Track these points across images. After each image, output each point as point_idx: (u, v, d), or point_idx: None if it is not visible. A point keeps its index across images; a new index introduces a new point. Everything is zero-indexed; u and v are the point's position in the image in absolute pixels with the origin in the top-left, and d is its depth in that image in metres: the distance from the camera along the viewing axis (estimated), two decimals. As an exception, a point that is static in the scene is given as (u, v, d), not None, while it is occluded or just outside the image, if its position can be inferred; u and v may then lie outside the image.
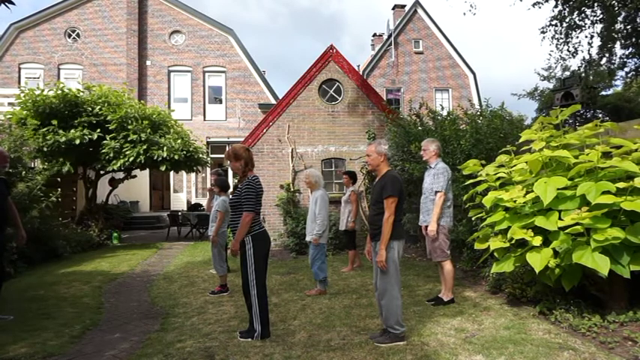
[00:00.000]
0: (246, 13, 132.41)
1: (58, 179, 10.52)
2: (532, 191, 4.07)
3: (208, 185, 17.89)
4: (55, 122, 9.71)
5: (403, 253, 3.80)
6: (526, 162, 4.50)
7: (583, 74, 13.03)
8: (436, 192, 4.71)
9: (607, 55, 12.70)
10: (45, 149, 9.68)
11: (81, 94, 10.49)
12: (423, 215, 4.92)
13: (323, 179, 5.75)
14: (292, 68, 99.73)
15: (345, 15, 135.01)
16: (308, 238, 5.61)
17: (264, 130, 9.81)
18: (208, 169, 18.08)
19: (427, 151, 4.93)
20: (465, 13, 20.65)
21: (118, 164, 10.16)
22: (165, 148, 10.38)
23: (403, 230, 3.82)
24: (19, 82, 16.74)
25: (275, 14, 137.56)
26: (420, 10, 22.85)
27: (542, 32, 12.54)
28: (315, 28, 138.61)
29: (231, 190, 6.00)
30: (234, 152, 3.87)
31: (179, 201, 18.70)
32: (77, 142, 9.60)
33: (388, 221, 3.56)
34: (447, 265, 4.77)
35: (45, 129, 9.67)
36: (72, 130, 9.76)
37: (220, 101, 19.40)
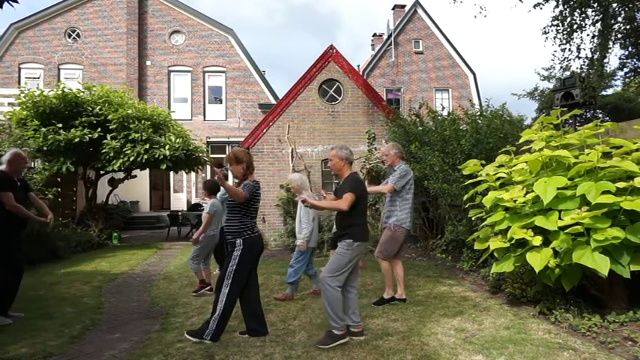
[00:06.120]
0: (243, 9, 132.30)
1: (58, 179, 10.51)
2: (532, 191, 4.07)
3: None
4: (58, 124, 9.70)
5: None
6: (526, 162, 4.50)
7: (584, 74, 13.01)
8: (387, 183, 4.86)
9: (606, 54, 12.67)
10: (45, 149, 9.68)
11: (81, 94, 10.49)
12: (384, 217, 5.00)
13: (309, 182, 5.76)
14: (290, 66, 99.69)
15: (342, 14, 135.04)
16: (297, 242, 5.55)
17: (264, 130, 9.81)
18: (209, 170, 18.09)
19: (389, 155, 5.08)
20: (475, 16, 20.68)
21: (118, 164, 10.15)
22: (167, 147, 10.38)
23: (367, 234, 3.85)
24: (19, 82, 16.73)
25: (271, 11, 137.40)
26: (420, 10, 22.85)
27: (545, 33, 12.50)
28: (313, 26, 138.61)
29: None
30: (235, 156, 3.86)
31: (179, 201, 18.68)
32: (77, 141, 9.60)
33: (336, 202, 3.63)
34: (384, 264, 4.83)
35: (46, 129, 9.67)
36: (72, 130, 9.76)
37: (220, 101, 19.40)
